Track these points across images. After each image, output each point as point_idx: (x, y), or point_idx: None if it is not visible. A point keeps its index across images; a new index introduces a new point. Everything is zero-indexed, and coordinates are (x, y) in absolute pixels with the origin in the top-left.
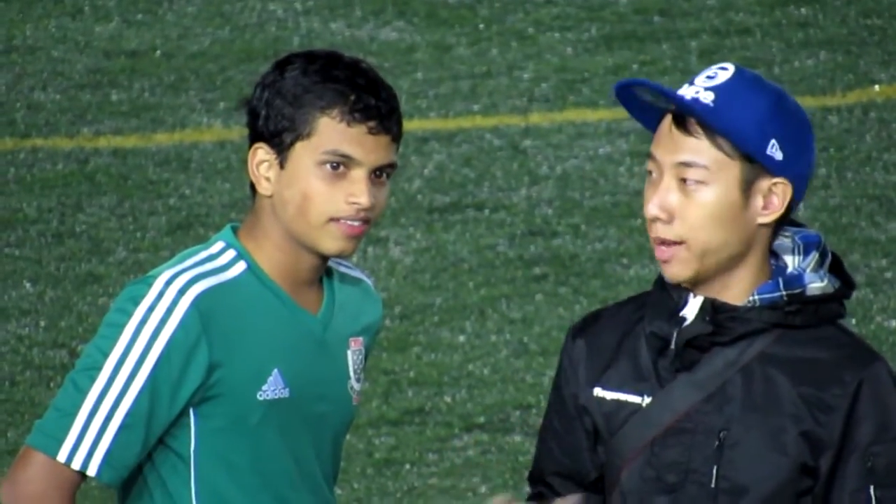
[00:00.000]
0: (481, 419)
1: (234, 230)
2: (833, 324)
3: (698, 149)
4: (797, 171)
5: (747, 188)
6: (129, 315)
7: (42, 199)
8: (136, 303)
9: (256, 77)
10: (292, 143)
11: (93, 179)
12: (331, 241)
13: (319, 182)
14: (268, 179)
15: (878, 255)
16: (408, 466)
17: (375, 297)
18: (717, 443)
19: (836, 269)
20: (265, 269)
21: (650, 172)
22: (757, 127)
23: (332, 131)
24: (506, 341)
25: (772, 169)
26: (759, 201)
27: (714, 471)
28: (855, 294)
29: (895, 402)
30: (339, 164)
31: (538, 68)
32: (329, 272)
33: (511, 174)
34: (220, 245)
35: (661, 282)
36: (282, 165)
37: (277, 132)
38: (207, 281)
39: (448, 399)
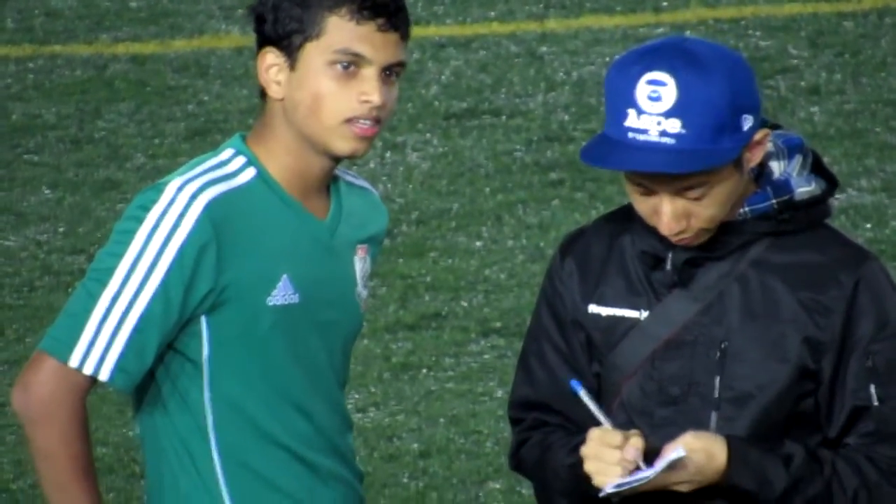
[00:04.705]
0: (498, 324)
1: (244, 137)
2: (822, 226)
3: (693, 174)
4: (759, 110)
5: (739, 162)
6: (141, 221)
7: (61, 106)
8: (148, 209)
9: None
10: (302, 45)
11: (111, 86)
12: (343, 142)
13: (331, 82)
14: (278, 83)
15: (894, 159)
16: (424, 371)
17: (381, 208)
18: (718, 354)
19: (817, 167)
20: (274, 174)
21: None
22: (731, 121)
23: (341, 30)
24: (522, 246)
25: (749, 133)
26: (747, 156)
27: (717, 381)
28: (870, 198)
29: (891, 299)
30: (350, 64)
31: None
32: (335, 181)
33: (528, 80)
34: (229, 152)
35: None
36: (292, 68)
37: (286, 34)
38: (218, 187)
39: (465, 304)
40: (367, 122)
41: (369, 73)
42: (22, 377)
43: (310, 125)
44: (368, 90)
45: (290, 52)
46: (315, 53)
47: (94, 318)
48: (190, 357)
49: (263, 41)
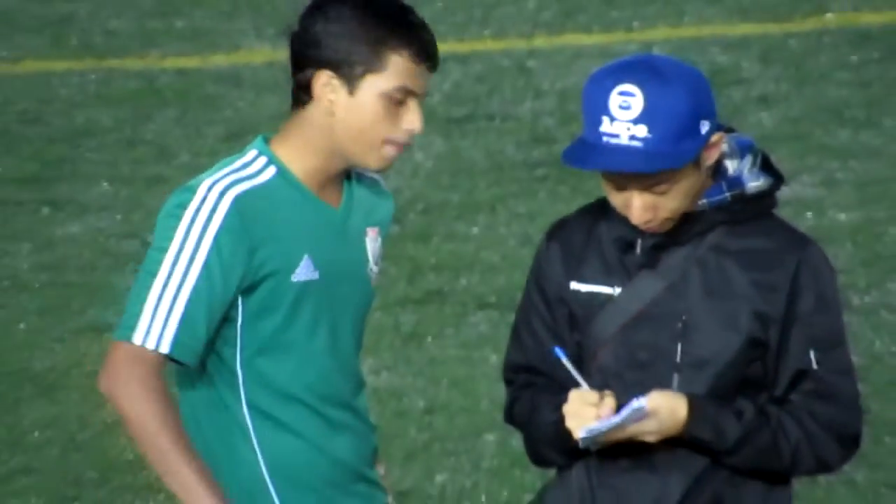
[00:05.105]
0: (492, 299)
1: (266, 139)
2: (769, 216)
3: (658, 172)
4: (716, 116)
5: (698, 161)
6: (180, 218)
7: (117, 111)
8: (185, 207)
9: (301, 4)
10: (363, 75)
11: (160, 94)
12: (378, 161)
13: (383, 110)
14: (331, 101)
15: (831, 158)
16: (429, 340)
17: (388, 195)
18: (680, 325)
19: (766, 165)
20: (296, 171)
21: (610, 184)
22: (691, 126)
23: (402, 69)
24: (513, 233)
25: (707, 136)
26: (705, 156)
27: (679, 349)
28: (811, 192)
29: (829, 278)
30: (402, 96)
31: None
32: (348, 174)
33: (518, 90)
34: (252, 153)
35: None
36: (350, 92)
37: (348, 63)
38: (242, 185)
39: (464, 282)
40: (403, 144)
41: (415, 105)
42: (104, 365)
43: (353, 143)
44: (415, 120)
45: (350, 78)
46: (375, 84)
47: (150, 303)
48: (226, 327)
49: (317, 62)
